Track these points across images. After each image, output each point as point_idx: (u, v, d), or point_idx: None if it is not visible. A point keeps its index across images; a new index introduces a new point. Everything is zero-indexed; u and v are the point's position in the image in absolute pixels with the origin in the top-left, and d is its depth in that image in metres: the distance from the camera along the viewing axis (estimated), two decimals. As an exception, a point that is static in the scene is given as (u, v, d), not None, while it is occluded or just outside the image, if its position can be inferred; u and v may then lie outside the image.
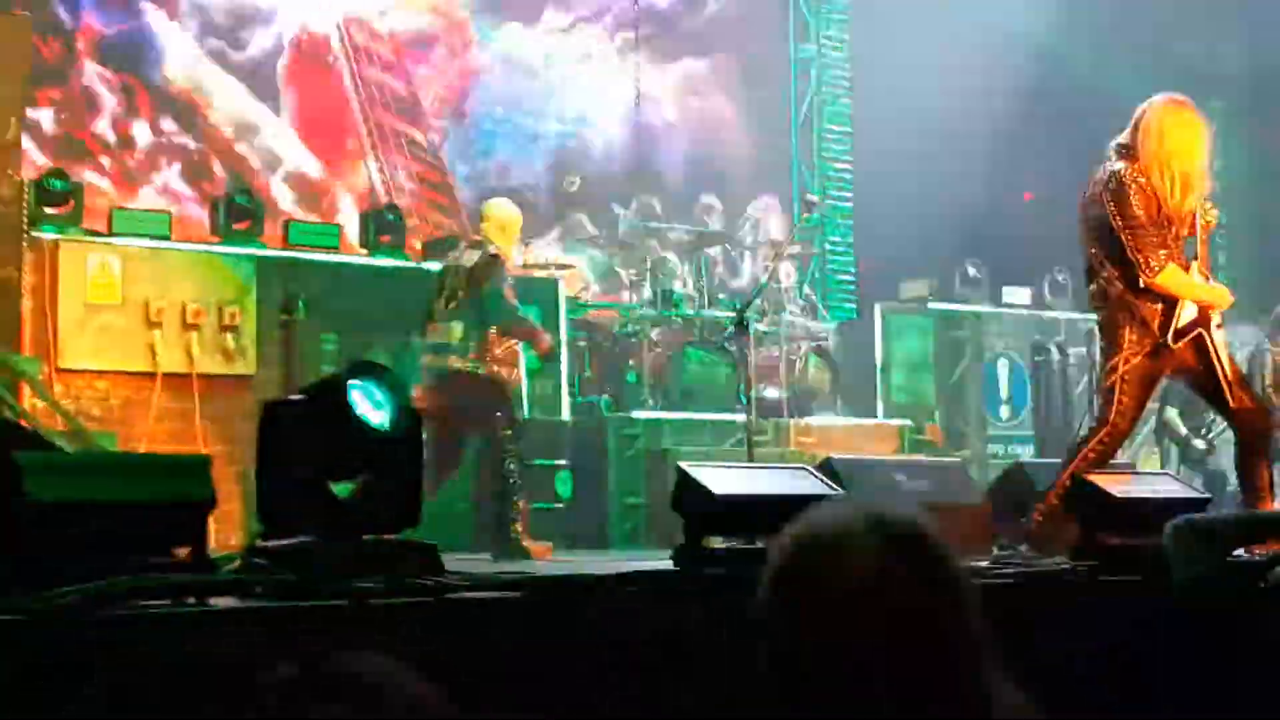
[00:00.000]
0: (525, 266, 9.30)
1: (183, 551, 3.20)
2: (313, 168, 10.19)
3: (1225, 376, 5.15)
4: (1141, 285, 5.12)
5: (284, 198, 9.97)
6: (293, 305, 7.65)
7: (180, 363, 7.39)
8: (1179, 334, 5.12)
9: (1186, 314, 5.14)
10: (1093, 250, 5.27)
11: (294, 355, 7.66)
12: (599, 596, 3.60)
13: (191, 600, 3.02)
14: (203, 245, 7.99)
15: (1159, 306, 5.15)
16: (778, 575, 1.51)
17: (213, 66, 9.91)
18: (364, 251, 8.54)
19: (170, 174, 9.70)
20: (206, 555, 3.25)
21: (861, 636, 1.44)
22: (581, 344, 9.13)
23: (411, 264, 8.51)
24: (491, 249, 6.98)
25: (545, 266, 9.33)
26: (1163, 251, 5.10)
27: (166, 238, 7.72)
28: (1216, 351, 5.17)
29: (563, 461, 8.22)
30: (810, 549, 1.50)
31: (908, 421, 9.95)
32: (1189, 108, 5.20)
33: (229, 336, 7.47)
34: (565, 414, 8.73)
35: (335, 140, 10.32)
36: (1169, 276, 5.09)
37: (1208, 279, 5.29)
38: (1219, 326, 5.23)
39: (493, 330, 6.87)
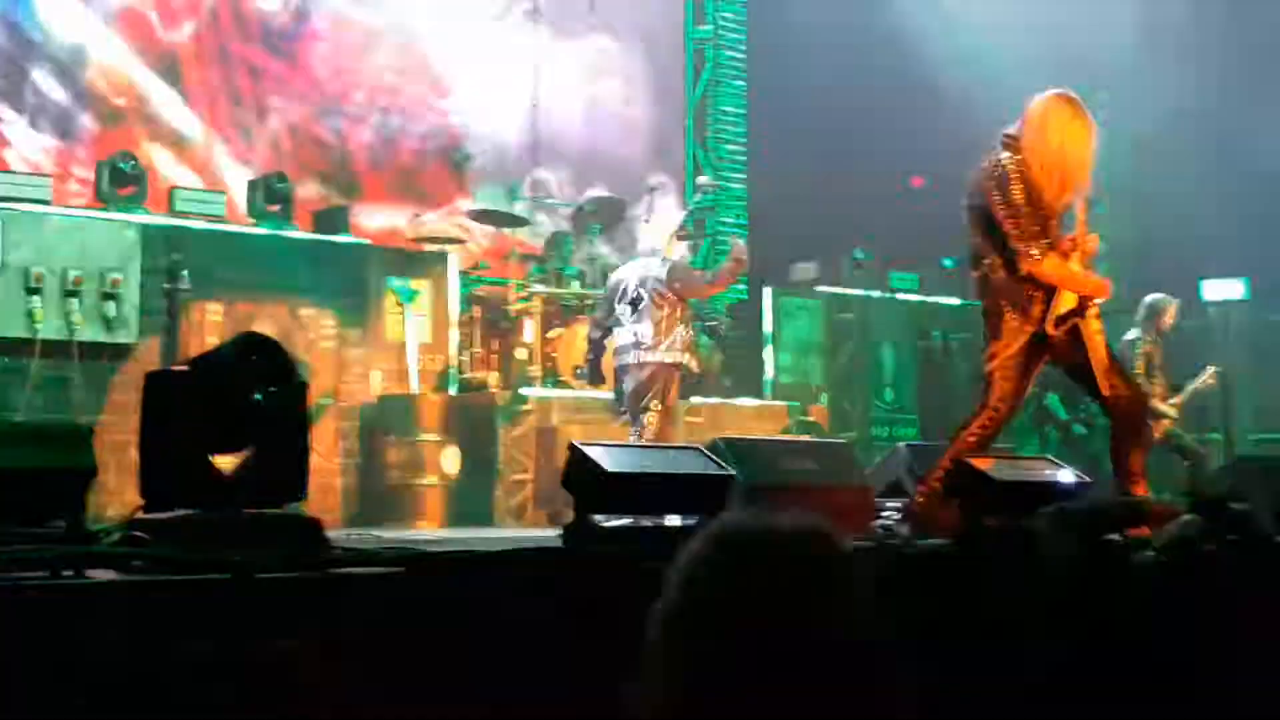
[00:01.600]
0: (416, 240, 9.23)
1: (61, 523, 3.14)
2: (199, 135, 9.99)
3: (1101, 364, 5.29)
4: (1023, 273, 5.23)
5: (169, 164, 9.76)
6: (177, 274, 7.50)
7: (60, 330, 7.21)
8: (1058, 321, 5.24)
9: (1065, 302, 5.26)
10: (976, 238, 5.37)
11: (178, 325, 7.52)
12: (485, 573, 3.59)
13: (69, 573, 2.96)
14: (85, 211, 7.80)
15: (1039, 294, 5.26)
16: (690, 580, 1.53)
17: (99, 27, 9.66)
18: (251, 221, 8.40)
19: (53, 138, 9.45)
20: (85, 526, 3.19)
21: (773, 638, 1.46)
22: (473, 320, 9.09)
23: (300, 234, 8.40)
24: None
25: (436, 240, 9.26)
26: (1045, 241, 5.22)
27: (48, 203, 7.53)
28: (1093, 340, 5.30)
29: (450, 437, 8.18)
30: (722, 556, 1.52)
31: (794, 403, 10.06)
32: (1077, 105, 5.31)
33: (111, 304, 7.31)
34: (453, 390, 8.69)
35: (223, 107, 10.13)
36: (1049, 265, 5.21)
37: (1088, 269, 5.41)
38: (1097, 316, 5.36)
39: None
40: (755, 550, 1.51)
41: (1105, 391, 5.31)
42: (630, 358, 7.46)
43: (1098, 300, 5.40)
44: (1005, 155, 5.24)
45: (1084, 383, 5.44)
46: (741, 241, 8.28)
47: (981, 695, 3.75)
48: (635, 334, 7.54)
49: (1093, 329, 5.30)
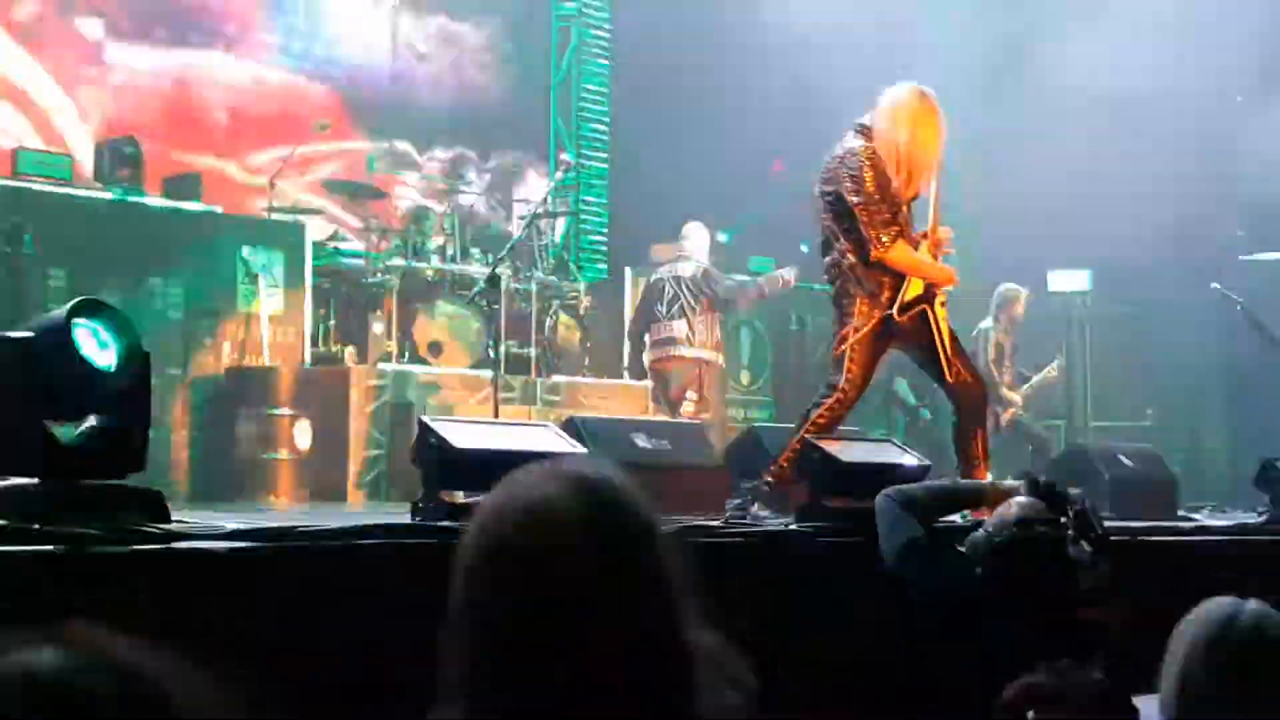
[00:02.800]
0: (270, 210, 9.06)
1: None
2: (47, 94, 9.67)
3: (945, 351, 5.42)
4: (872, 259, 5.33)
5: (13, 124, 9.43)
6: (17, 238, 7.26)
7: (-109, 293, 6.95)
8: (904, 307, 5.35)
9: (913, 289, 5.38)
10: (828, 223, 5.46)
11: (19, 290, 7.29)
12: (332, 548, 3.56)
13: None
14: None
15: (887, 280, 5.37)
16: (477, 542, 1.50)
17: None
18: (99, 185, 8.17)
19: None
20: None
21: (563, 597, 1.44)
22: (326, 291, 8.95)
23: (149, 200, 8.19)
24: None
25: (291, 210, 9.11)
26: (894, 228, 5.33)
27: (-119, 160, 7.24)
28: (938, 326, 5.43)
29: (302, 411, 8.06)
30: (508, 514, 1.50)
31: (652, 383, 10.11)
32: (928, 98, 5.42)
33: (-52, 268, 7.05)
34: (307, 363, 8.56)
35: (71, 67, 9.81)
36: (898, 253, 5.32)
37: (936, 258, 5.54)
38: (943, 303, 5.49)
39: None
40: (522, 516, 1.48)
41: (949, 378, 5.45)
42: (668, 352, 7.94)
43: (945, 288, 5.53)
44: (858, 143, 5.34)
45: (930, 368, 5.57)
46: (792, 272, 9.34)
47: (817, 669, 3.82)
48: (672, 331, 8.41)
49: (939, 316, 5.43)
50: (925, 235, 5.49)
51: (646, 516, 1.52)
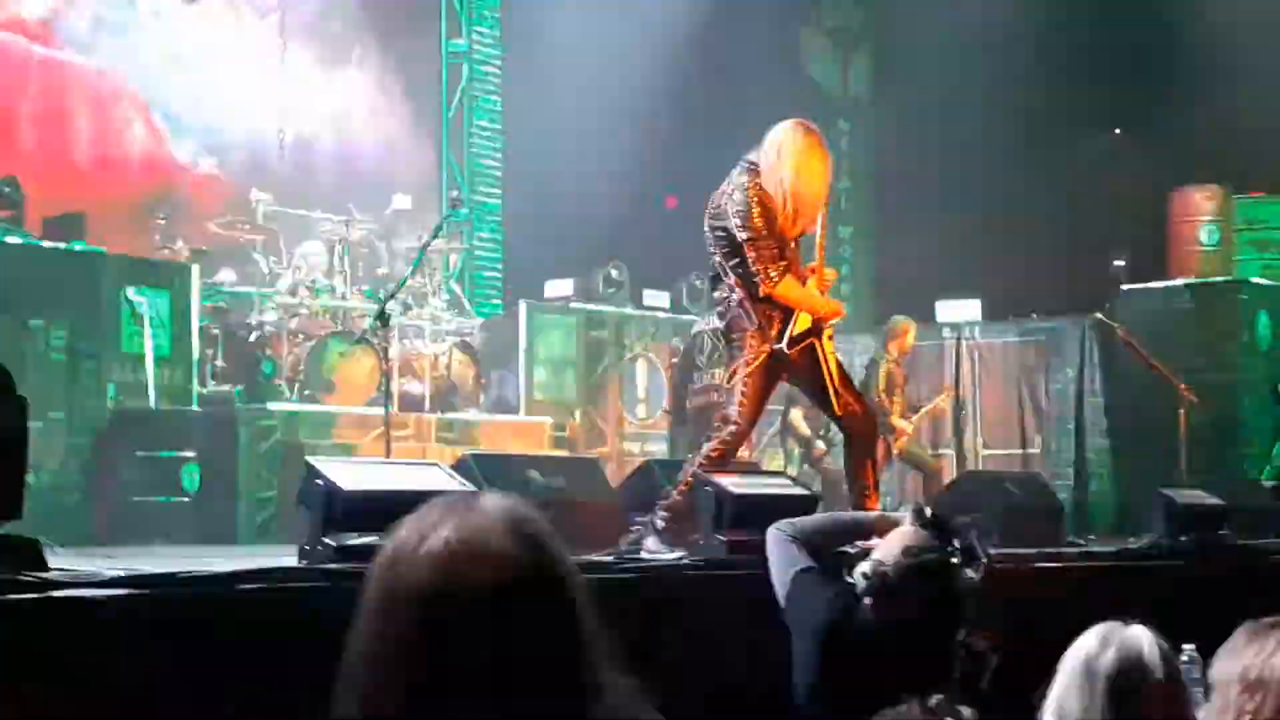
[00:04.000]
0: (158, 249, 8.91)
1: None
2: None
3: (833, 383, 5.48)
4: (760, 295, 5.38)
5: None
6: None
7: None
8: (793, 341, 5.40)
9: (801, 323, 5.43)
10: (719, 258, 5.50)
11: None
12: (216, 593, 3.49)
13: None
14: None
15: (777, 314, 5.42)
16: (379, 577, 1.47)
17: None
18: (-22, 226, 7.97)
19: None
20: None
21: (465, 636, 1.42)
22: (215, 331, 8.81)
23: (32, 241, 8.02)
24: None
25: (178, 250, 8.96)
26: (782, 263, 5.38)
27: None
28: (826, 360, 5.49)
29: (190, 453, 7.91)
30: (412, 548, 1.46)
31: (549, 419, 10.10)
32: (814, 135, 5.49)
33: None
34: (195, 405, 8.40)
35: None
36: (786, 288, 5.37)
37: (824, 292, 5.60)
38: (830, 337, 5.55)
39: None
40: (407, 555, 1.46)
41: (837, 410, 5.51)
42: (710, 398, 8.84)
43: (833, 322, 5.60)
44: (746, 179, 5.39)
45: (819, 401, 5.63)
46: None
47: (714, 701, 3.82)
48: (714, 379, 9.07)
49: (827, 350, 5.48)
50: (813, 270, 5.55)
51: (556, 550, 1.50)
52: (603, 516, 5.88)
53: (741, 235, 5.34)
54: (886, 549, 2.97)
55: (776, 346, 5.36)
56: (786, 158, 5.35)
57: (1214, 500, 6.85)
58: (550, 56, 11.88)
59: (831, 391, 5.45)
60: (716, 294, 5.57)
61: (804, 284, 5.45)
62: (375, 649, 1.45)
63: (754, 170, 5.39)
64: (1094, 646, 2.19)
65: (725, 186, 5.46)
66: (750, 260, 5.34)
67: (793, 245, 5.48)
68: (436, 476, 4.37)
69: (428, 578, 1.44)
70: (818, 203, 5.45)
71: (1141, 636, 2.22)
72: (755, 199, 5.33)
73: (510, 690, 1.41)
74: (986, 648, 2.76)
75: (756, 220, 5.32)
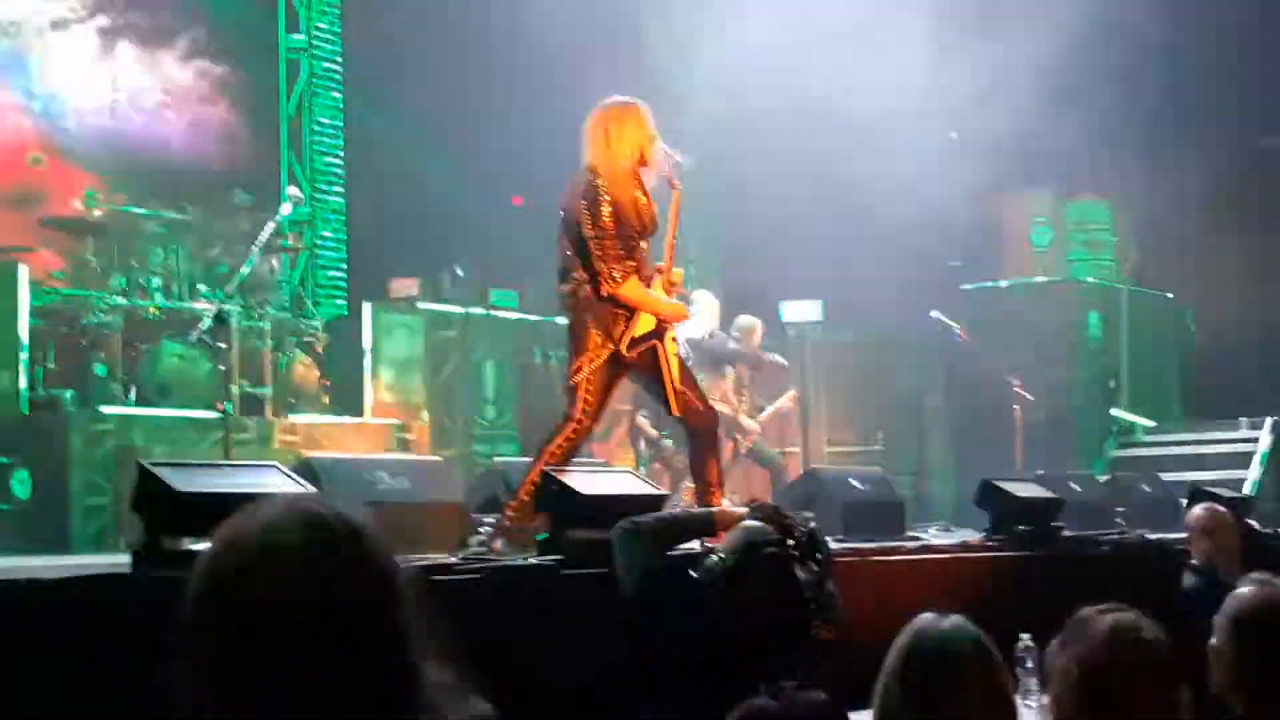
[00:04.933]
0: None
1: None
2: None
3: (673, 385, 5.49)
4: (603, 294, 5.37)
5: None
6: None
7: None
8: (634, 343, 5.40)
9: (643, 324, 5.43)
10: (567, 253, 5.48)
11: None
12: (42, 601, 3.37)
13: None
14: None
15: (620, 314, 5.42)
16: (203, 579, 1.46)
17: None
18: None
19: None
20: None
21: (288, 632, 1.41)
22: (44, 333, 8.50)
23: None
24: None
25: (4, 251, 8.63)
26: (629, 263, 5.37)
27: None
28: (668, 361, 5.49)
29: (19, 459, 7.63)
30: (235, 549, 1.46)
31: (395, 421, 9.97)
32: (631, 104, 5.47)
33: None
34: (25, 409, 8.10)
35: None
36: (629, 289, 5.36)
37: (669, 294, 5.61)
38: (673, 339, 5.57)
39: None
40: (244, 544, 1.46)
41: (676, 409, 5.54)
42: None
43: (675, 323, 5.62)
44: (590, 178, 5.38)
45: (660, 401, 5.65)
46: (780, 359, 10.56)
47: (559, 699, 3.81)
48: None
49: (669, 351, 5.50)
50: (660, 270, 5.56)
51: (376, 552, 1.49)
52: (450, 518, 5.82)
53: (588, 232, 5.33)
54: (728, 543, 2.99)
55: (616, 348, 5.36)
56: (614, 137, 5.33)
57: (1046, 493, 7.06)
58: (391, 51, 11.74)
59: (671, 392, 5.47)
60: (562, 288, 5.55)
61: (649, 284, 5.46)
62: (191, 650, 1.44)
63: (591, 168, 5.37)
64: (910, 638, 2.23)
65: (576, 181, 5.44)
66: (594, 259, 5.33)
67: (643, 245, 5.48)
68: (275, 478, 4.27)
69: (228, 578, 1.44)
70: (658, 161, 5.41)
71: (957, 625, 2.26)
72: (604, 196, 5.32)
73: (310, 691, 1.41)
74: (829, 636, 2.80)
75: (604, 219, 5.31)
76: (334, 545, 1.46)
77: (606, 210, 5.31)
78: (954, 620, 2.25)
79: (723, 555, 2.94)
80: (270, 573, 1.43)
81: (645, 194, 5.41)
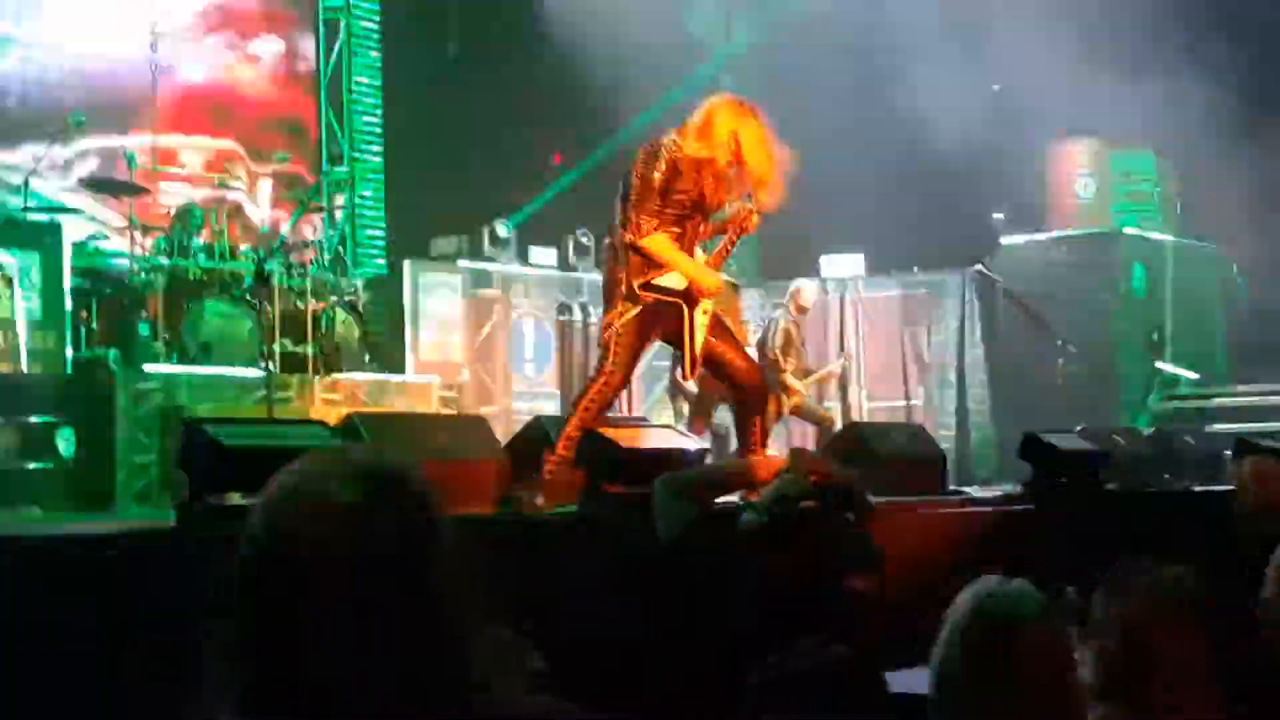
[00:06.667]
0: (25, 210, 8.63)
1: None
2: None
3: (690, 354, 5.43)
4: (625, 240, 5.33)
5: None
6: None
7: None
8: (650, 287, 5.33)
9: (668, 280, 5.37)
10: (618, 206, 5.43)
11: None
12: (89, 557, 3.40)
13: None
14: None
15: (653, 271, 5.37)
16: (258, 533, 1.45)
17: None
18: None
19: None
20: None
21: (341, 591, 1.40)
22: (89, 294, 8.56)
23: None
24: None
25: (49, 210, 8.69)
26: (658, 221, 5.31)
27: None
28: (692, 327, 5.42)
29: (65, 418, 7.71)
30: (291, 503, 1.44)
31: (436, 378, 10.02)
32: (750, 112, 5.40)
33: None
34: (69, 368, 8.18)
35: None
36: (654, 242, 5.30)
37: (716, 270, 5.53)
38: (705, 311, 5.46)
39: None
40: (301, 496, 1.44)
41: (688, 375, 5.53)
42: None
43: (707, 294, 5.51)
44: (670, 137, 5.31)
45: (679, 363, 5.59)
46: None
47: (602, 654, 3.82)
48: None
49: (695, 321, 5.42)
50: (715, 258, 5.49)
51: (430, 506, 1.48)
52: (491, 474, 5.83)
53: (634, 182, 5.29)
54: (765, 497, 2.98)
55: (630, 286, 5.30)
56: (718, 129, 5.26)
57: (1091, 446, 7.00)
58: (428, 6, 11.70)
59: (688, 358, 5.42)
60: (606, 241, 5.51)
61: (690, 253, 5.39)
62: (244, 604, 1.43)
63: (683, 131, 5.30)
64: (970, 601, 2.20)
65: (652, 138, 5.38)
66: (631, 205, 5.29)
67: (690, 225, 5.38)
68: (320, 435, 4.30)
69: (285, 533, 1.42)
70: (742, 179, 5.33)
71: (1022, 590, 2.22)
72: (666, 154, 5.26)
73: (362, 646, 1.39)
74: (864, 590, 2.79)
75: (656, 175, 5.25)
76: (389, 499, 1.44)
77: (662, 167, 5.25)
78: (1016, 584, 2.21)
79: (759, 507, 2.93)
80: (326, 527, 1.41)
81: (718, 187, 5.33)
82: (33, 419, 7.62)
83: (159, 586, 3.35)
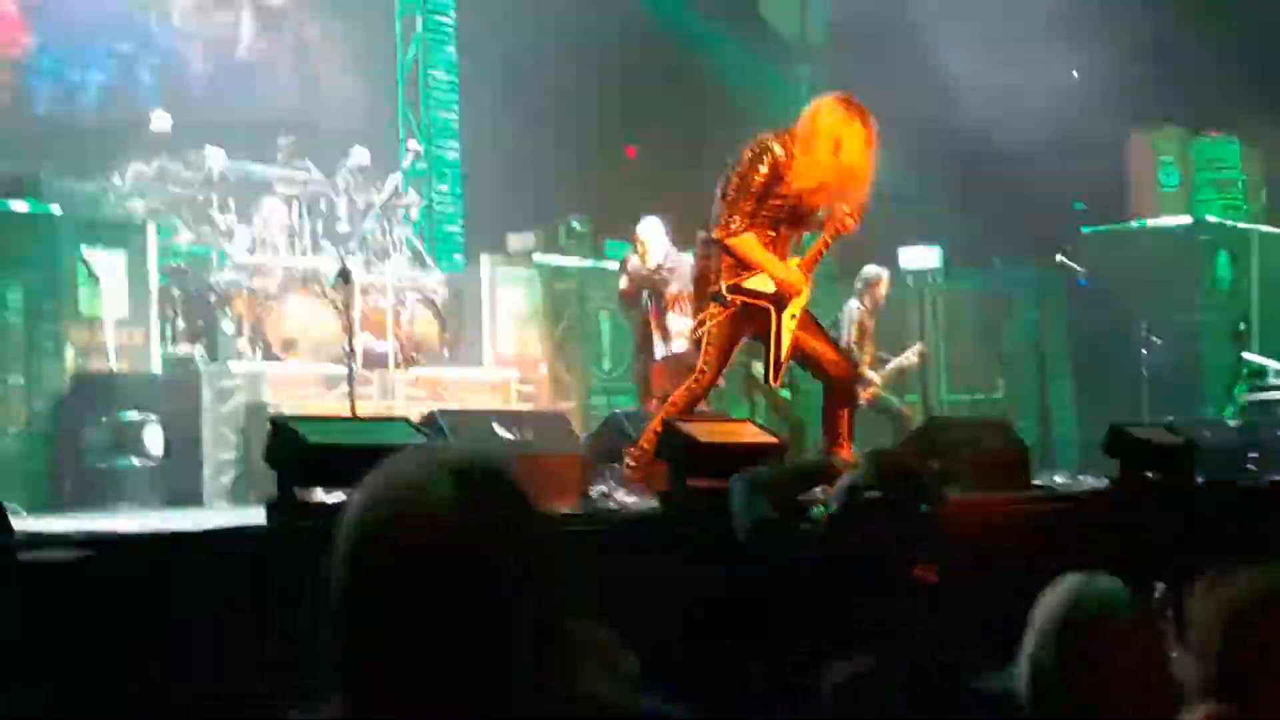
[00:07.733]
0: (112, 208, 8.79)
1: None
2: None
3: (775, 360, 5.41)
4: (714, 236, 5.32)
5: None
6: None
7: None
8: (737, 289, 5.32)
9: (757, 282, 5.35)
10: (716, 200, 5.42)
11: None
12: (181, 555, 3.46)
13: None
14: None
15: (744, 273, 5.36)
16: (353, 531, 1.45)
17: None
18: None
19: None
20: None
21: (439, 588, 1.40)
22: (174, 292, 8.71)
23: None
24: None
25: (132, 209, 8.84)
26: (748, 220, 5.29)
27: None
28: (778, 334, 5.40)
29: (153, 416, 7.84)
30: (387, 501, 1.44)
31: (515, 373, 10.07)
32: (857, 113, 5.35)
33: None
34: (156, 366, 8.32)
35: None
36: (743, 242, 5.28)
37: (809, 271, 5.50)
38: (793, 316, 5.44)
39: None
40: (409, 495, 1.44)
41: (774, 382, 5.51)
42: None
43: (790, 295, 5.49)
44: (776, 141, 5.28)
45: (767, 366, 5.58)
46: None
47: (678, 654, 3.82)
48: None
49: (783, 325, 5.40)
50: (805, 264, 5.46)
51: (524, 503, 1.48)
52: (570, 469, 5.87)
53: (732, 179, 5.29)
54: (836, 489, 2.97)
55: (719, 287, 5.29)
56: (822, 131, 5.22)
57: (1177, 439, 6.89)
58: (507, 4, 11.75)
59: (773, 364, 5.41)
60: (701, 235, 5.51)
61: (782, 258, 5.37)
62: (338, 602, 1.43)
63: (788, 133, 5.28)
64: (1062, 600, 2.17)
65: (759, 137, 5.35)
66: (725, 200, 5.28)
67: (785, 230, 5.34)
68: (403, 432, 4.34)
69: (380, 531, 1.42)
70: (845, 184, 5.29)
71: (1113, 588, 2.20)
72: (768, 156, 5.23)
73: (456, 644, 1.39)
74: (929, 581, 2.76)
75: (756, 175, 5.23)
76: (485, 496, 1.44)
77: (764, 170, 5.22)
78: (1109, 581, 2.17)
79: (830, 501, 2.92)
80: (425, 524, 1.41)
81: (817, 194, 5.30)
82: (121, 416, 7.75)
83: (252, 583, 3.40)
